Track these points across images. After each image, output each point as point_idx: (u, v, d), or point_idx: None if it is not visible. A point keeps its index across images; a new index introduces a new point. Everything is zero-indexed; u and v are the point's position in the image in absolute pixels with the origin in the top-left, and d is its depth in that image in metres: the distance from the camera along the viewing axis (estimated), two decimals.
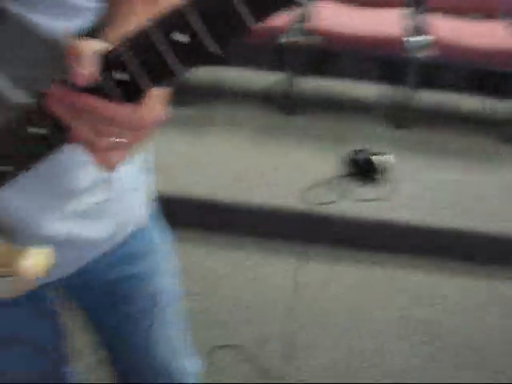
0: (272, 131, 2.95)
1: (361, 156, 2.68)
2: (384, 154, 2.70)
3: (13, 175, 0.63)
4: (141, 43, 0.48)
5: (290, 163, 2.74)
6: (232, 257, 2.39)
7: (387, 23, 2.99)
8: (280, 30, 2.93)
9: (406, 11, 3.10)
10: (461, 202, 2.55)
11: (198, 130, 2.92)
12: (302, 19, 3.05)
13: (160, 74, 0.49)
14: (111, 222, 0.93)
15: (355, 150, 2.71)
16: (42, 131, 0.56)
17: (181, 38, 0.47)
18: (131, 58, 0.49)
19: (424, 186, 2.65)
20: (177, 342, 1.17)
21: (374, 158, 2.66)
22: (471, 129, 3.12)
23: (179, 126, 2.90)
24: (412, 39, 2.87)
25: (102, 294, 1.03)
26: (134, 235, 0.99)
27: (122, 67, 0.49)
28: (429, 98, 3.25)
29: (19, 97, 0.68)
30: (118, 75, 0.50)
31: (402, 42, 2.86)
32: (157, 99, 0.54)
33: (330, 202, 2.50)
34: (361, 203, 2.51)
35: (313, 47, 2.97)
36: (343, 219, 2.46)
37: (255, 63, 3.44)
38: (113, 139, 0.54)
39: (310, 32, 2.91)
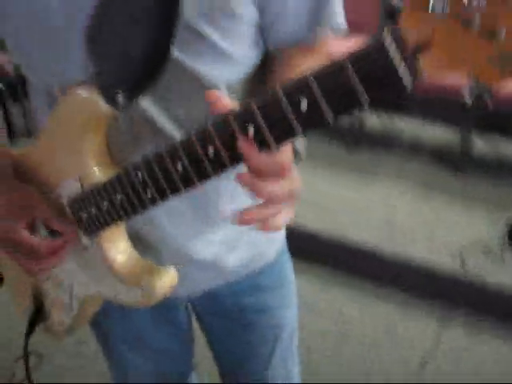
0: (437, 187, 2.93)
1: None
2: None
3: (155, 201, 0.73)
4: (270, 104, 0.57)
5: (451, 221, 2.70)
6: (368, 304, 2.42)
7: None
8: (462, 88, 2.90)
9: None
10: None
11: (365, 176, 2.99)
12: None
13: (282, 132, 0.58)
14: (246, 252, 1.02)
15: None
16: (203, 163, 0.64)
17: (303, 103, 0.55)
18: (259, 115, 0.58)
19: None
20: (292, 374, 1.24)
21: None
22: None
23: (347, 168, 3.00)
24: None
25: (227, 319, 1.11)
26: (264, 268, 1.06)
27: (253, 121, 0.59)
28: None
29: (176, 133, 0.81)
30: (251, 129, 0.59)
31: None
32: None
33: (485, 267, 2.42)
34: None
35: (494, 108, 2.91)
36: (498, 289, 2.37)
37: (433, 118, 3.44)
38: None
39: (492, 92, 2.85)
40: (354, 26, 0.87)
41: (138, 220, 0.85)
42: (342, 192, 2.88)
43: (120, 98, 0.76)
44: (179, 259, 0.93)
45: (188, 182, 0.66)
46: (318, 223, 2.66)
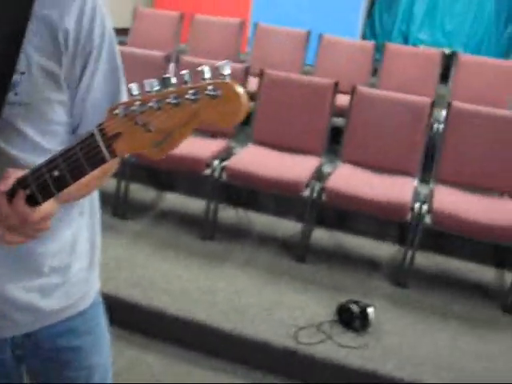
0: (282, 274, 3.23)
1: (355, 306, 2.89)
2: (375, 306, 2.90)
3: None
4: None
5: (290, 303, 2.98)
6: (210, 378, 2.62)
7: (397, 189, 3.30)
8: (303, 185, 3.29)
9: (414, 180, 3.44)
10: (446, 361, 2.68)
11: (215, 261, 3.26)
12: (321, 178, 3.45)
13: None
14: (60, 300, 1.22)
15: (351, 300, 2.93)
16: None
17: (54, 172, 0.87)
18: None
19: (408, 341, 2.80)
20: None
21: (367, 309, 2.86)
22: (472, 295, 3.27)
23: (200, 256, 3.26)
24: (418, 206, 3.16)
25: (46, 360, 1.27)
26: (77, 316, 1.26)
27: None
28: (431, 260, 3.49)
29: None
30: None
31: (409, 208, 3.15)
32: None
33: (315, 343, 2.69)
34: (344, 349, 2.69)
35: (329, 204, 3.32)
36: (325, 361, 2.64)
37: (282, 213, 3.84)
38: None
39: (326, 190, 3.26)
40: None
41: None
42: (194, 276, 3.11)
43: None
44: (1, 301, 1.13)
45: None
46: (168, 303, 2.85)
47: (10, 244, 0.93)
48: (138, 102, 0.78)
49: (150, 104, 0.77)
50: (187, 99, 0.76)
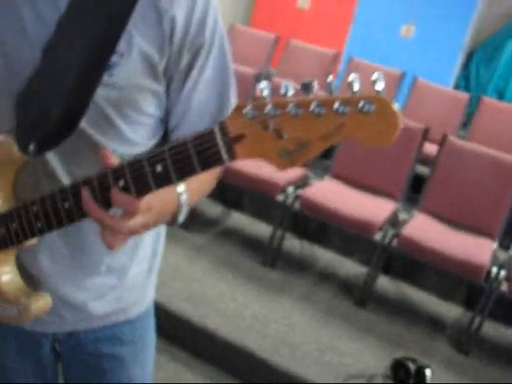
0: (340, 316, 3.09)
1: (411, 364, 2.72)
2: (432, 368, 2.72)
3: (43, 230, 0.90)
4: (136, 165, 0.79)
5: (344, 348, 2.84)
6: None
7: (475, 249, 3.12)
8: (376, 228, 3.16)
9: (494, 243, 3.24)
10: None
11: (273, 290, 3.16)
12: (395, 223, 3.30)
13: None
14: (114, 303, 1.15)
15: (408, 357, 2.76)
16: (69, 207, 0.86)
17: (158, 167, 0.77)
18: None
19: None
20: None
21: (424, 370, 2.69)
22: None
23: (258, 282, 3.16)
24: (495, 270, 2.97)
25: (85, 364, 1.21)
26: (125, 323, 1.19)
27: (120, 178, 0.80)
28: (499, 331, 3.26)
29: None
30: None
31: (485, 271, 2.96)
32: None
33: None
34: None
35: (400, 252, 3.18)
36: None
37: (348, 252, 3.72)
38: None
39: (400, 237, 3.12)
40: None
41: (25, 253, 1.01)
42: (250, 301, 3.02)
43: (32, 148, 0.93)
44: (52, 295, 1.05)
45: (71, 218, 0.86)
46: (219, 324, 2.77)
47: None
48: (270, 105, 0.70)
49: (288, 109, 0.69)
50: (334, 111, 0.67)
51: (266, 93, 0.71)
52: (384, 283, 3.49)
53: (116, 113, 0.97)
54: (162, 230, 1.22)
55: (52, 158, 0.97)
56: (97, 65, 0.91)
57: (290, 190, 3.38)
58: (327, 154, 3.82)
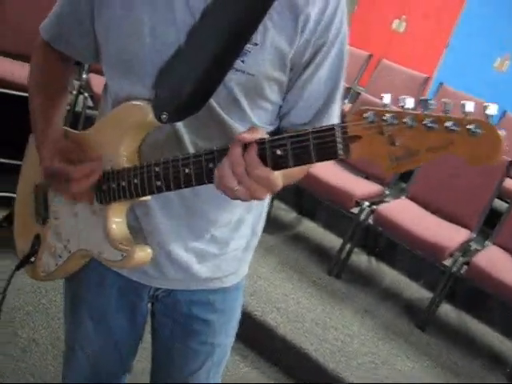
0: (399, 335, 3.10)
1: None
2: None
3: (161, 189, 1.01)
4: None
5: (400, 368, 2.85)
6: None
7: None
8: (447, 253, 3.17)
9: None
10: None
11: (336, 299, 3.20)
12: (467, 253, 3.29)
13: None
14: (214, 270, 1.25)
15: None
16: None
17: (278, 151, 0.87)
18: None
19: None
20: None
21: None
22: None
23: (322, 289, 3.22)
24: None
25: (178, 322, 1.31)
26: (219, 291, 1.29)
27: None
28: None
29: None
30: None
31: None
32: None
33: None
34: None
35: (469, 281, 3.17)
36: None
37: (414, 274, 3.72)
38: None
39: (470, 265, 3.11)
40: None
41: (142, 208, 1.12)
42: (312, 306, 3.08)
43: (164, 116, 1.04)
44: (159, 251, 1.17)
45: (188, 183, 0.97)
46: (279, 322, 2.84)
47: (231, 193, 0.92)
48: (390, 114, 0.78)
49: (404, 120, 0.77)
50: (445, 128, 0.75)
51: (386, 101, 0.80)
52: (447, 310, 3.48)
53: (244, 97, 1.07)
54: (264, 211, 1.32)
55: (181, 127, 1.08)
56: (231, 50, 1.02)
57: (365, 204, 3.42)
58: (404, 176, 3.84)
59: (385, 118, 0.78)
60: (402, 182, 4.15)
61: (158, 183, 1.00)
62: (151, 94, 1.05)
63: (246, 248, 1.30)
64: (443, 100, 0.76)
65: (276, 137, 0.88)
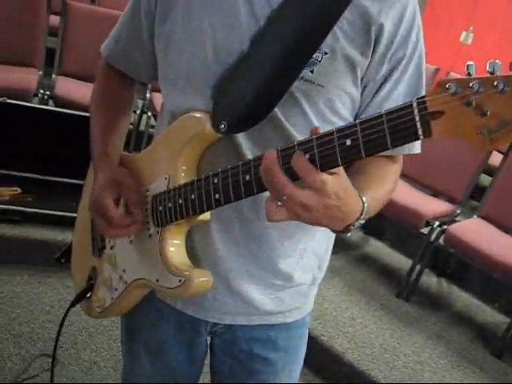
0: (473, 363, 2.93)
1: None
2: None
3: (220, 203, 0.93)
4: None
5: None
6: None
7: None
8: None
9: None
10: None
11: (405, 324, 3.06)
12: None
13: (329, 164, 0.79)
14: (277, 303, 1.15)
15: None
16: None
17: (348, 141, 0.77)
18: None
19: None
20: None
21: None
22: None
23: (391, 312, 3.09)
24: None
25: (238, 360, 1.22)
26: (282, 327, 1.19)
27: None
28: None
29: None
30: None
31: None
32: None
33: None
34: None
35: None
36: None
37: (488, 298, 3.53)
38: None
39: None
40: None
41: (201, 234, 1.05)
42: (380, 330, 2.95)
43: (223, 126, 0.98)
44: (217, 280, 1.08)
45: (249, 191, 0.88)
46: (346, 348, 2.73)
47: (271, 215, 0.82)
48: (476, 81, 0.67)
49: (495, 83, 0.66)
50: None
51: (471, 70, 0.69)
52: None
53: (312, 109, 1.00)
54: (330, 243, 1.22)
55: (242, 140, 1.01)
56: (297, 59, 0.95)
57: (436, 223, 3.27)
58: (475, 194, 3.67)
59: (471, 85, 0.68)
60: (473, 200, 3.97)
61: (217, 196, 0.93)
62: (209, 102, 1.00)
63: (312, 283, 1.21)
64: None
65: (341, 126, 0.78)
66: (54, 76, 4.07)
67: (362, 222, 0.91)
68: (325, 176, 0.78)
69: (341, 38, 0.96)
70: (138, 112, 4.02)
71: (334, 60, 0.96)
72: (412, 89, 1.03)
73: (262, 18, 0.96)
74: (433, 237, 3.27)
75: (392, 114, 0.73)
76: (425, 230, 3.32)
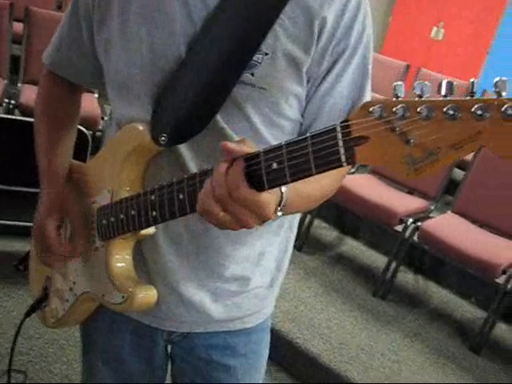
0: (451, 359, 2.92)
1: None
2: None
3: (157, 220, 0.90)
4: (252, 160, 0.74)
5: None
6: None
7: None
8: (499, 270, 2.97)
9: None
10: None
11: (382, 323, 3.04)
12: None
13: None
14: (232, 310, 1.12)
15: None
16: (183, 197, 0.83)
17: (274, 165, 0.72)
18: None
19: None
20: None
21: None
22: None
23: (367, 312, 3.06)
24: None
25: (197, 369, 1.18)
26: (240, 333, 1.16)
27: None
28: None
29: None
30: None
31: None
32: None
33: None
34: None
35: None
36: None
37: (464, 293, 3.52)
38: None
39: None
40: None
41: (150, 246, 1.01)
42: (357, 330, 2.92)
43: (163, 139, 0.94)
44: (169, 292, 1.05)
45: (183, 210, 0.84)
46: (322, 350, 2.70)
47: (214, 220, 0.77)
48: (401, 105, 0.62)
49: (419, 110, 0.61)
50: (472, 113, 0.59)
51: (399, 92, 0.64)
52: (502, 330, 3.27)
53: (256, 113, 0.95)
54: (290, 245, 1.19)
55: (184, 151, 0.97)
56: (237, 62, 0.90)
57: (410, 221, 3.26)
58: (449, 189, 3.67)
59: (395, 110, 0.62)
60: (448, 195, 3.96)
61: (154, 213, 0.89)
62: (148, 113, 0.96)
63: (270, 285, 1.17)
64: (471, 80, 0.61)
65: (270, 147, 0.73)
66: (19, 84, 3.99)
67: (280, 214, 0.82)
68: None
69: (282, 36, 0.92)
70: (106, 119, 3.96)
71: (275, 60, 0.92)
72: (357, 82, 0.99)
73: (198, 21, 0.92)
74: (407, 234, 3.25)
75: (317, 137, 0.69)
76: (399, 228, 3.30)
